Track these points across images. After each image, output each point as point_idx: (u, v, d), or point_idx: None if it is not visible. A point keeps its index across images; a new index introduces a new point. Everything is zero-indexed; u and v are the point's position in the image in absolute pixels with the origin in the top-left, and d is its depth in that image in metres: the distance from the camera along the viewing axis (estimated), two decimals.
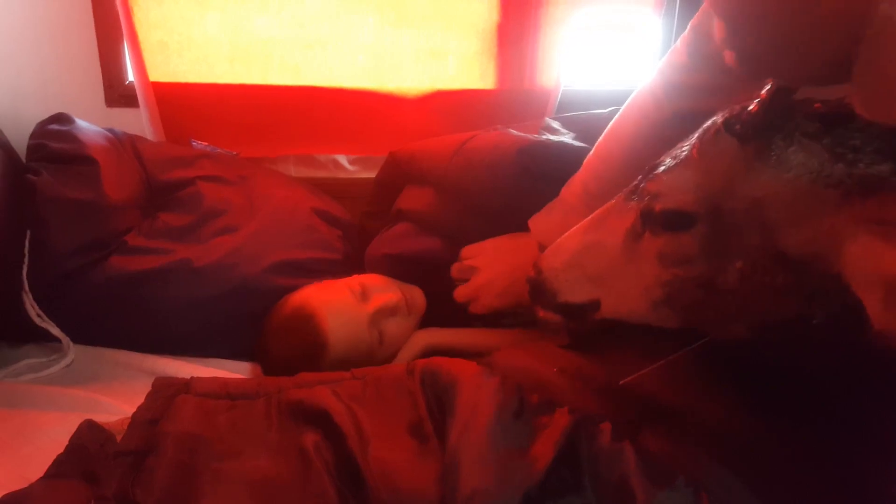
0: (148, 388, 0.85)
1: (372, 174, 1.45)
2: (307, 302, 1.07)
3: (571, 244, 0.80)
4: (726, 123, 0.65)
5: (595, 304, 0.78)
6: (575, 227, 0.80)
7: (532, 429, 0.63)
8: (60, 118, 1.24)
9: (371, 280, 1.13)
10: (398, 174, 1.29)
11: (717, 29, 0.53)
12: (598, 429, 0.62)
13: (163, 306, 1.14)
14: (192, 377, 0.87)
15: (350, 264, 1.27)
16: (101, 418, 0.89)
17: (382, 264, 1.19)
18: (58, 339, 1.15)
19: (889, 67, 0.44)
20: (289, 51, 1.42)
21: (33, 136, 1.21)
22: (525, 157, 1.11)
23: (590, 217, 0.79)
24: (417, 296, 1.14)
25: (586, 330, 0.84)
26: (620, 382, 0.80)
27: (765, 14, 0.50)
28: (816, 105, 0.60)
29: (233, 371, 1.12)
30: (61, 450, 0.76)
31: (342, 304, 1.06)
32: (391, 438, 0.68)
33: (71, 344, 1.15)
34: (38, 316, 1.15)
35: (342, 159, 1.55)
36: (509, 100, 1.49)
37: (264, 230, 1.24)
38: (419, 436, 0.68)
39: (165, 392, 0.83)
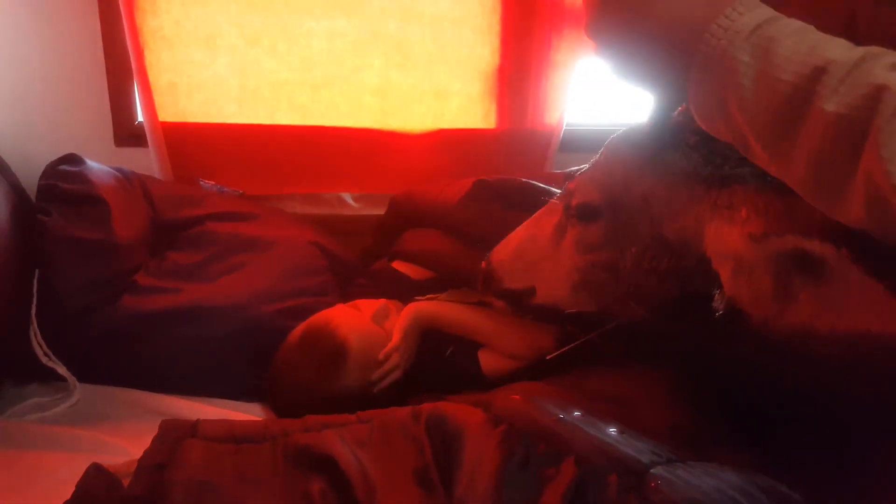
0: (155, 429, 0.84)
1: (376, 211, 1.47)
2: (317, 318, 1.10)
3: (516, 238, 0.92)
4: (626, 134, 0.78)
5: (531, 291, 0.90)
6: (521, 225, 0.92)
7: (539, 480, 0.63)
8: (71, 159, 1.26)
9: (356, 301, 1.17)
10: (398, 217, 1.33)
11: (590, 42, 0.61)
12: (605, 481, 0.63)
13: (172, 346, 1.15)
14: (198, 420, 0.86)
15: None
16: (107, 460, 0.87)
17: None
18: (64, 379, 1.15)
19: (707, 86, 0.52)
20: (296, 92, 1.44)
21: (44, 176, 1.23)
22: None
23: (533, 215, 0.91)
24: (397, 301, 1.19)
25: (528, 314, 0.97)
26: (547, 357, 0.98)
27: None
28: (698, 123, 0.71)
29: (241, 411, 1.12)
30: (67, 492, 0.75)
31: (348, 314, 1.11)
32: (397, 487, 0.68)
33: (77, 383, 1.15)
34: (45, 355, 1.15)
35: (347, 197, 1.57)
36: (511, 139, 1.52)
37: (275, 270, 1.25)
38: (425, 485, 0.68)
39: (172, 436, 0.82)
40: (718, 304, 0.68)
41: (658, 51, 0.56)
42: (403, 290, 1.24)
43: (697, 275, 0.70)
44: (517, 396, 0.86)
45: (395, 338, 1.08)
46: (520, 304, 0.93)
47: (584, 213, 0.80)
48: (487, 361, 1.10)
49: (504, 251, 0.93)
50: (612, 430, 0.76)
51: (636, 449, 0.72)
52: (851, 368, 0.63)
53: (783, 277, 0.61)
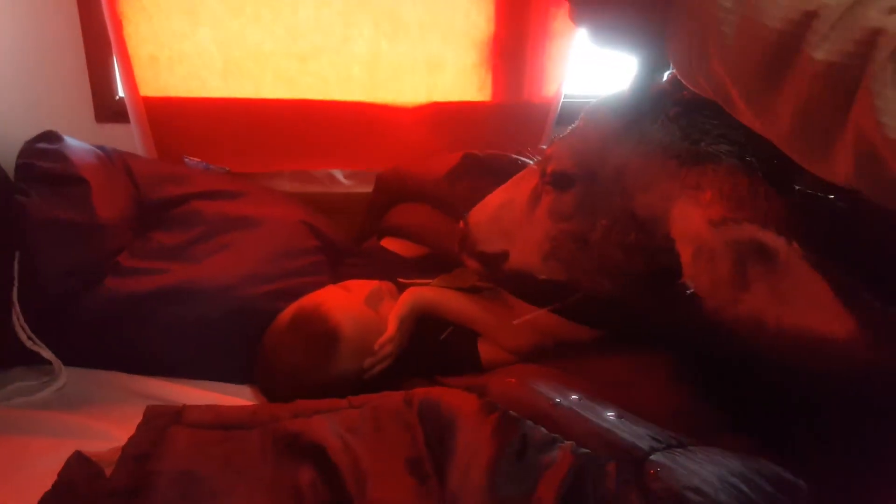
0: (141, 412, 0.82)
1: (368, 188, 1.44)
2: (308, 300, 1.07)
3: (493, 201, 0.91)
4: (605, 100, 0.76)
5: (505, 255, 0.90)
6: (500, 187, 0.91)
7: (535, 469, 0.61)
8: (49, 136, 1.22)
9: (348, 282, 1.14)
10: (386, 194, 1.31)
11: (567, 13, 0.60)
12: (603, 470, 0.61)
13: (159, 328, 1.12)
14: (184, 405, 0.84)
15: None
16: (93, 445, 0.87)
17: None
18: (49, 362, 1.13)
19: (685, 38, 0.49)
20: (282, 64, 1.40)
21: (21, 154, 1.19)
22: None
23: (512, 178, 0.90)
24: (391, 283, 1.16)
25: (501, 279, 0.96)
26: (514, 322, 0.98)
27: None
28: (684, 93, 0.68)
29: (231, 394, 1.10)
30: (53, 478, 0.74)
31: (340, 296, 1.08)
32: (389, 476, 0.66)
33: (62, 367, 1.13)
34: (30, 339, 1.12)
35: (338, 174, 1.53)
36: (507, 112, 1.48)
37: (263, 251, 1.22)
38: (418, 474, 0.66)
39: (157, 422, 0.80)
40: (689, 283, 0.66)
41: (633, 4, 0.54)
42: (395, 270, 1.21)
43: (664, 253, 0.69)
44: (513, 380, 0.84)
45: (391, 327, 1.06)
46: (493, 267, 0.93)
47: (558, 181, 0.79)
48: (486, 351, 1.08)
49: (482, 213, 0.92)
50: (611, 415, 0.74)
51: (635, 434, 0.70)
52: (794, 368, 0.61)
53: (740, 265, 0.59)
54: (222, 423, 0.80)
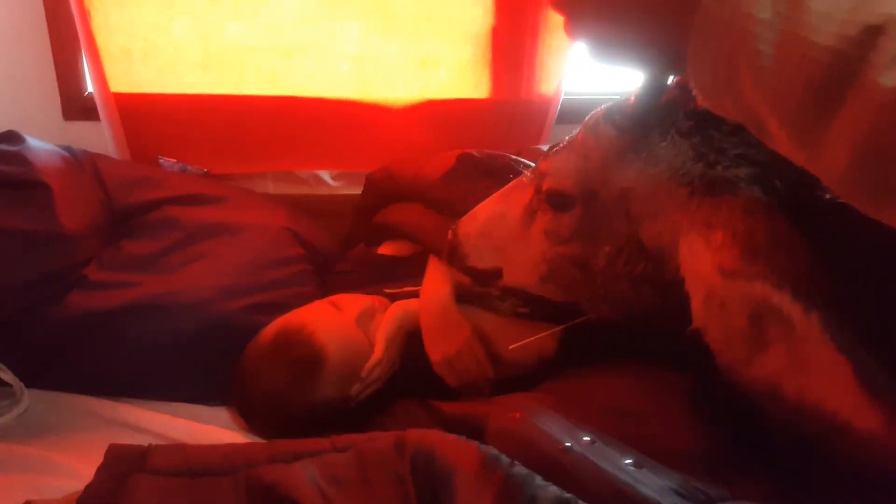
0: (107, 441, 0.75)
1: (357, 190, 1.37)
2: (292, 319, 1.00)
3: (483, 213, 0.85)
4: (607, 113, 0.68)
5: (498, 272, 0.85)
6: (490, 197, 0.85)
7: None
8: (9, 136, 1.14)
9: (338, 297, 1.06)
10: (377, 196, 1.24)
11: (564, 26, 0.53)
12: None
13: (128, 347, 1.05)
14: (150, 445, 0.76)
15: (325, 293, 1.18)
16: (54, 483, 0.82)
17: None
18: (9, 384, 1.04)
19: (710, 57, 0.43)
20: (265, 58, 1.33)
21: None
22: None
23: (504, 188, 0.84)
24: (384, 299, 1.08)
25: (496, 296, 0.92)
26: (510, 347, 0.92)
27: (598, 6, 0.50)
28: (698, 103, 0.59)
29: (205, 419, 1.03)
30: None
31: (328, 315, 1.01)
32: None
33: (25, 390, 1.05)
34: None
35: (325, 175, 1.46)
36: (505, 110, 1.43)
37: (243, 261, 1.14)
38: None
39: (118, 468, 0.72)
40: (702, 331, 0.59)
41: (647, 10, 0.46)
42: (384, 277, 1.13)
43: (675, 287, 0.62)
44: (517, 415, 0.76)
45: (378, 350, 0.97)
46: (485, 283, 0.88)
47: (555, 202, 0.73)
48: None
49: (471, 224, 0.87)
50: (629, 462, 0.66)
51: (658, 489, 0.62)
52: (812, 449, 0.55)
53: (756, 321, 0.52)
54: (190, 467, 0.72)
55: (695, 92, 0.46)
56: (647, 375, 0.85)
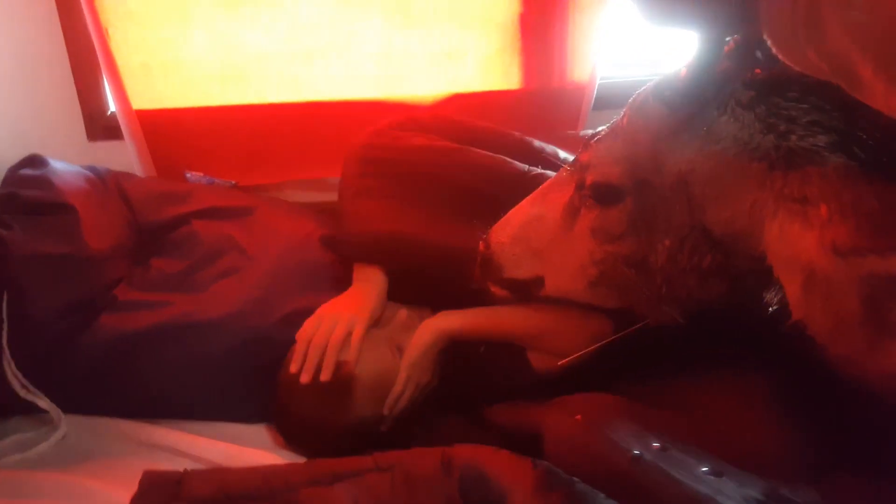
0: (145, 466, 0.74)
1: None
2: None
3: (518, 218, 0.79)
4: (656, 89, 0.62)
5: (539, 281, 0.79)
6: (524, 200, 0.79)
7: None
8: (33, 161, 1.13)
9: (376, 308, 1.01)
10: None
11: None
12: None
13: (163, 368, 1.02)
14: (185, 471, 0.74)
15: None
16: None
17: None
18: (47, 411, 1.02)
19: (788, 2, 0.39)
20: (286, 64, 1.31)
21: (3, 183, 1.10)
22: None
23: (539, 188, 0.78)
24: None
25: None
26: (559, 363, 0.85)
27: None
28: (756, 70, 0.55)
29: (245, 440, 1.00)
30: None
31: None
32: None
33: (62, 416, 1.03)
34: (24, 387, 1.02)
35: None
36: (538, 100, 1.37)
37: (273, 271, 1.10)
38: None
39: (153, 497, 0.69)
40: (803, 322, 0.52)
41: None
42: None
43: (753, 276, 0.57)
44: (578, 418, 0.70)
45: (399, 381, 0.93)
46: (526, 295, 0.82)
47: (601, 195, 0.67)
48: (538, 360, 0.92)
49: (505, 232, 0.81)
50: (706, 470, 0.59)
51: (741, 500, 0.55)
52: None
53: (878, 304, 0.46)
54: (227, 493, 0.69)
55: (770, 43, 0.41)
56: (721, 371, 0.78)
